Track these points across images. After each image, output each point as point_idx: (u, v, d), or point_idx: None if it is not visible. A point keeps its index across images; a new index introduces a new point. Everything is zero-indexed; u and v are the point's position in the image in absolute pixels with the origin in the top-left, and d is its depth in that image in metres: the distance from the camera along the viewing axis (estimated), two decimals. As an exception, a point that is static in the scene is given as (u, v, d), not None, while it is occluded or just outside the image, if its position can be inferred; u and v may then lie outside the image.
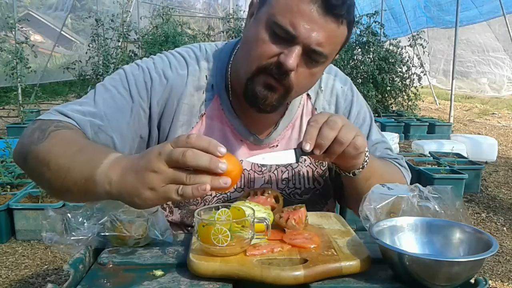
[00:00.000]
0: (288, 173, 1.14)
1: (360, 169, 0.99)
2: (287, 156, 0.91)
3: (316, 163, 1.16)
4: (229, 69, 1.09)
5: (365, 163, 0.98)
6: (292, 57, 0.92)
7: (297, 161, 0.91)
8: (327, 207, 1.21)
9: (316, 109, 1.16)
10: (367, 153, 0.98)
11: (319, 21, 0.91)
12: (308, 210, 1.06)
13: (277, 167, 1.13)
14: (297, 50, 0.92)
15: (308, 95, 1.16)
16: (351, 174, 1.00)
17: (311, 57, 0.94)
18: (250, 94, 0.99)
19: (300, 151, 0.89)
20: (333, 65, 1.24)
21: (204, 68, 1.09)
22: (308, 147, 0.86)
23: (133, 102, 1.04)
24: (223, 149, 0.74)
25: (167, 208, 1.13)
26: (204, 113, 1.09)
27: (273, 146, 1.13)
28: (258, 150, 1.11)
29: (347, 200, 1.22)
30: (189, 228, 1.15)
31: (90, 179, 0.79)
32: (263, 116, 1.07)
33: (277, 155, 0.91)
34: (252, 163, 1.10)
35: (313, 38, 0.91)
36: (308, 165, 1.15)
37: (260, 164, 1.11)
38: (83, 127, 0.98)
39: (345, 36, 0.98)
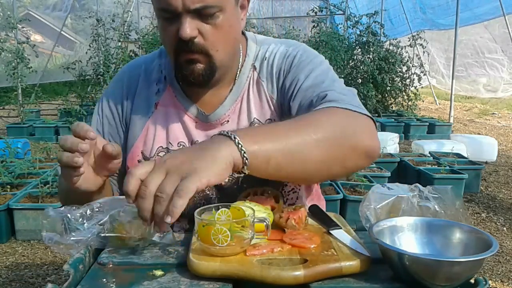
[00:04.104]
0: None
1: (243, 172, 0.83)
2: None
3: None
4: None
5: (245, 167, 0.81)
6: (184, 27, 0.97)
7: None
8: None
9: (260, 77, 1.14)
10: (244, 154, 0.80)
11: None
12: (273, 180, 1.06)
13: None
14: (184, 19, 0.97)
15: (254, 67, 1.16)
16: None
17: (202, 14, 0.97)
18: (181, 76, 1.07)
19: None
20: (312, 49, 1.17)
21: (158, 64, 1.19)
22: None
23: (103, 132, 1.19)
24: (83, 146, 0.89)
25: None
26: (158, 102, 1.15)
27: (224, 122, 1.13)
28: (211, 127, 1.13)
29: None
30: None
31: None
32: (209, 93, 1.13)
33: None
34: (204, 138, 1.12)
35: (187, 2, 0.95)
36: None
37: None
38: None
39: None
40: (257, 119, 1.13)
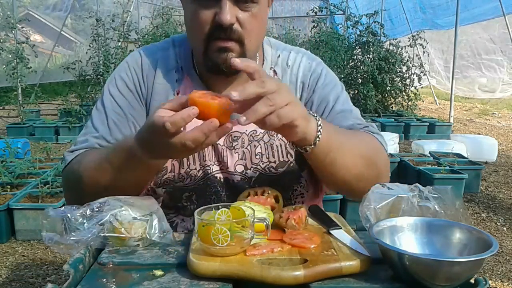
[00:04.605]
0: (261, 148, 1.14)
1: (312, 146, 0.92)
2: None
3: None
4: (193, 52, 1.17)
5: (317, 139, 0.91)
6: (225, 12, 0.96)
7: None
8: (303, 181, 1.18)
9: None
10: (319, 129, 0.91)
11: None
12: (284, 184, 1.10)
13: (249, 142, 1.13)
14: (224, 3, 0.97)
15: (275, 71, 1.18)
16: (303, 150, 0.94)
17: (241, 1, 0.98)
18: (211, 65, 1.04)
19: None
20: (317, 57, 1.26)
21: (174, 54, 1.17)
22: (235, 94, 0.79)
23: (124, 113, 1.13)
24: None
25: (149, 188, 1.14)
26: (178, 91, 1.14)
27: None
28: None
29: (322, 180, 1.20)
30: (176, 212, 1.16)
31: (129, 153, 0.93)
32: (229, 86, 1.12)
33: None
34: (224, 137, 1.12)
35: None
36: (280, 138, 1.15)
37: (232, 140, 1.13)
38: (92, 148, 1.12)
39: None
40: None
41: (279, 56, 1.20)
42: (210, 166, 1.12)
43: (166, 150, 0.86)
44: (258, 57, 1.16)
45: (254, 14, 1.01)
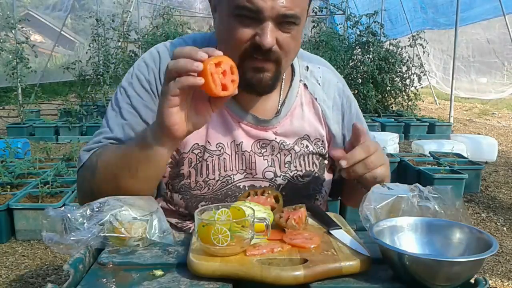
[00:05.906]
0: (290, 157, 1.14)
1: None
2: None
3: (314, 147, 1.17)
4: None
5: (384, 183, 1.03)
6: (267, 35, 0.94)
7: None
8: (323, 191, 1.20)
9: (316, 98, 1.17)
10: (388, 174, 1.02)
11: None
12: (308, 193, 1.11)
13: (279, 150, 1.13)
14: (269, 26, 0.94)
15: (305, 85, 1.17)
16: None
17: (286, 23, 0.96)
18: (245, 83, 0.99)
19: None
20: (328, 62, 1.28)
21: None
22: (344, 164, 0.95)
23: (139, 114, 1.08)
24: (202, 54, 0.84)
25: (168, 192, 1.13)
26: None
27: (273, 131, 1.14)
28: (256, 131, 1.11)
29: (346, 197, 1.27)
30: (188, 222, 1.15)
31: (144, 144, 0.94)
32: (259, 98, 1.10)
33: None
34: (252, 143, 1.11)
35: (277, 6, 0.93)
36: (307, 148, 1.16)
37: (260, 146, 1.12)
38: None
39: None
40: (307, 136, 1.16)
41: (307, 68, 1.19)
42: (232, 176, 1.11)
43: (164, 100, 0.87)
44: None
45: (293, 35, 0.98)
